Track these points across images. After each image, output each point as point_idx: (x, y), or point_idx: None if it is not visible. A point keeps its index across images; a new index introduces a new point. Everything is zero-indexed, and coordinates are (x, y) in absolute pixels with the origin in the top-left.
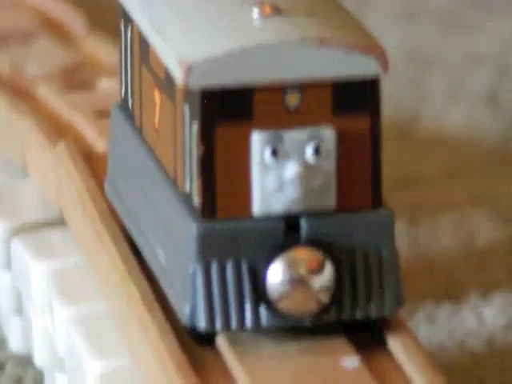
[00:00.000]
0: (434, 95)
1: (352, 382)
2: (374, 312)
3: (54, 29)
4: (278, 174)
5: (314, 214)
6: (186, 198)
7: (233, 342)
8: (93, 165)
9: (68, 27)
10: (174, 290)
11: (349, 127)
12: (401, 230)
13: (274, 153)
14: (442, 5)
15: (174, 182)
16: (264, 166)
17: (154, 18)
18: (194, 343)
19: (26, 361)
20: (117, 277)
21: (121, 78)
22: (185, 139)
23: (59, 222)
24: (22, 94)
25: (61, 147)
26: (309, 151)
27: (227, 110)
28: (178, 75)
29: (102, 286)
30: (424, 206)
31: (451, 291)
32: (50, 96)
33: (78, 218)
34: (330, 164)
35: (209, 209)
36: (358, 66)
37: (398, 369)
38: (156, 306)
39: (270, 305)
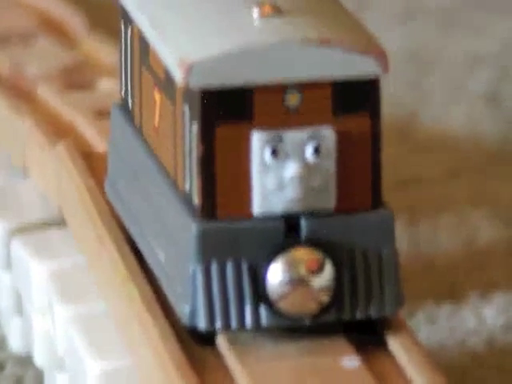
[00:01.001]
0: (434, 95)
1: (352, 382)
2: (374, 312)
3: (54, 29)
4: (277, 174)
5: (313, 214)
6: (186, 198)
7: (233, 342)
8: (93, 165)
9: (68, 27)
10: (174, 290)
11: (349, 127)
12: (401, 230)
13: (274, 153)
14: (442, 5)
15: (173, 182)
16: (264, 166)
17: (154, 18)
18: (194, 343)
19: (25, 361)
20: (117, 277)
21: (121, 78)
22: (185, 139)
23: (59, 222)
24: (22, 94)
25: (61, 147)
26: (309, 151)
27: (227, 110)
28: (178, 75)
29: (102, 285)
30: (424, 206)
31: (451, 291)
32: (50, 96)
33: (78, 218)
34: (329, 164)
35: (209, 209)
36: (358, 67)
37: (398, 369)
38: (156, 306)
39: (270, 305)
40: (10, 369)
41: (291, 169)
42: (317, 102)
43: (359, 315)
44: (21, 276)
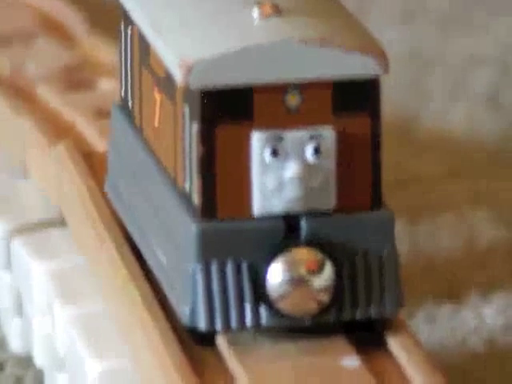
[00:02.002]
0: (434, 95)
1: (352, 382)
2: (374, 312)
3: (54, 29)
4: (277, 174)
5: (313, 214)
6: (186, 198)
7: (233, 342)
8: (93, 165)
9: (68, 27)
10: (174, 290)
11: (349, 127)
12: (401, 230)
13: (274, 153)
14: (442, 5)
15: (174, 182)
16: (264, 166)
17: (154, 19)
18: (194, 343)
19: (25, 361)
20: (117, 277)
21: (121, 78)
22: (185, 139)
23: (59, 222)
24: (22, 94)
25: (61, 147)
26: (309, 151)
27: (227, 110)
28: (178, 75)
29: (101, 285)
30: (424, 206)
31: (451, 291)
32: (50, 96)
33: (78, 218)
34: (329, 164)
35: (209, 209)
36: (358, 67)
37: (398, 369)
38: (156, 306)
39: (270, 305)
40: (10, 369)
41: (291, 169)
42: (317, 102)
43: (359, 315)
44: (21, 276)
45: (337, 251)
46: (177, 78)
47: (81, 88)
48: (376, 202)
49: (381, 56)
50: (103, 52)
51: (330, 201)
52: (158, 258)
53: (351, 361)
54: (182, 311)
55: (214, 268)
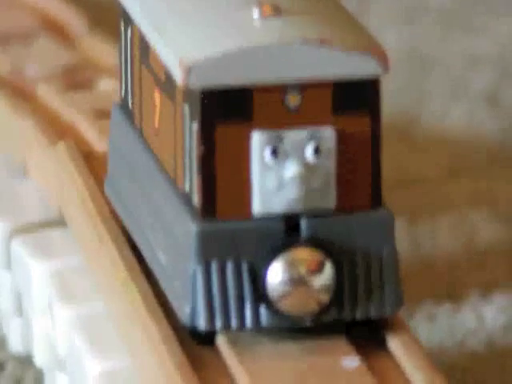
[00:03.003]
0: (434, 95)
1: (352, 382)
2: (374, 312)
3: (54, 29)
4: (277, 174)
5: (314, 214)
6: (186, 198)
7: (233, 342)
8: (93, 165)
9: (68, 27)
10: (174, 290)
11: (349, 127)
12: (401, 230)
13: (274, 153)
14: (442, 5)
15: (173, 182)
16: (264, 166)
17: (154, 19)
18: (194, 343)
19: (26, 361)
20: (117, 277)
21: (121, 78)
22: (185, 139)
23: (59, 222)
24: (22, 94)
25: (61, 147)
26: (309, 151)
27: (227, 110)
28: (178, 75)
29: (102, 285)
30: (424, 206)
31: (451, 291)
32: (50, 96)
33: (78, 218)
34: (330, 164)
35: (209, 209)
36: (358, 67)
37: (398, 369)
38: (156, 306)
39: (270, 305)
40: (10, 369)
41: (291, 169)
42: (317, 102)
43: (359, 315)
44: (21, 276)
45: (337, 251)
46: (177, 77)
47: (81, 88)
48: (376, 201)
49: (381, 56)
50: (103, 52)
51: (329, 201)
52: (157, 258)
53: (351, 361)
54: (182, 311)
55: (214, 268)
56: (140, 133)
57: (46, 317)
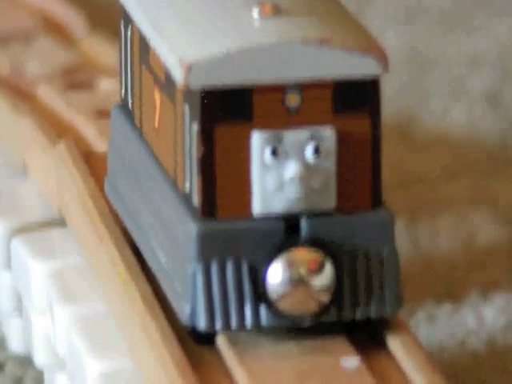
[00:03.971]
0: (434, 95)
1: (352, 382)
2: (374, 312)
3: (54, 29)
4: (278, 174)
5: (314, 214)
6: (186, 198)
7: (233, 342)
8: (93, 165)
9: (68, 27)
10: (174, 290)
11: (349, 127)
12: (401, 230)
13: (274, 153)
14: (442, 5)
15: (174, 182)
16: (264, 166)
17: (154, 19)
18: (194, 343)
19: (26, 361)
20: (117, 277)
21: (121, 78)
22: (185, 139)
23: (59, 222)
24: (22, 94)
25: (61, 147)
26: (309, 151)
27: (227, 110)
28: (178, 75)
29: (102, 285)
30: (424, 206)
31: (451, 291)
32: (50, 96)
33: (78, 218)
34: (330, 164)
35: (209, 209)
36: (358, 66)
37: (398, 369)
38: (156, 306)
39: (270, 305)
40: (9, 369)
41: (291, 169)
42: (317, 102)
43: (359, 315)
44: (21, 276)
45: (337, 251)
46: (177, 77)
47: (81, 88)
48: (376, 202)
49: (381, 56)
50: (103, 52)
51: (329, 201)
52: (157, 258)
53: (351, 361)
54: (182, 311)
55: (214, 268)
56: (140, 133)
57: (45, 317)
